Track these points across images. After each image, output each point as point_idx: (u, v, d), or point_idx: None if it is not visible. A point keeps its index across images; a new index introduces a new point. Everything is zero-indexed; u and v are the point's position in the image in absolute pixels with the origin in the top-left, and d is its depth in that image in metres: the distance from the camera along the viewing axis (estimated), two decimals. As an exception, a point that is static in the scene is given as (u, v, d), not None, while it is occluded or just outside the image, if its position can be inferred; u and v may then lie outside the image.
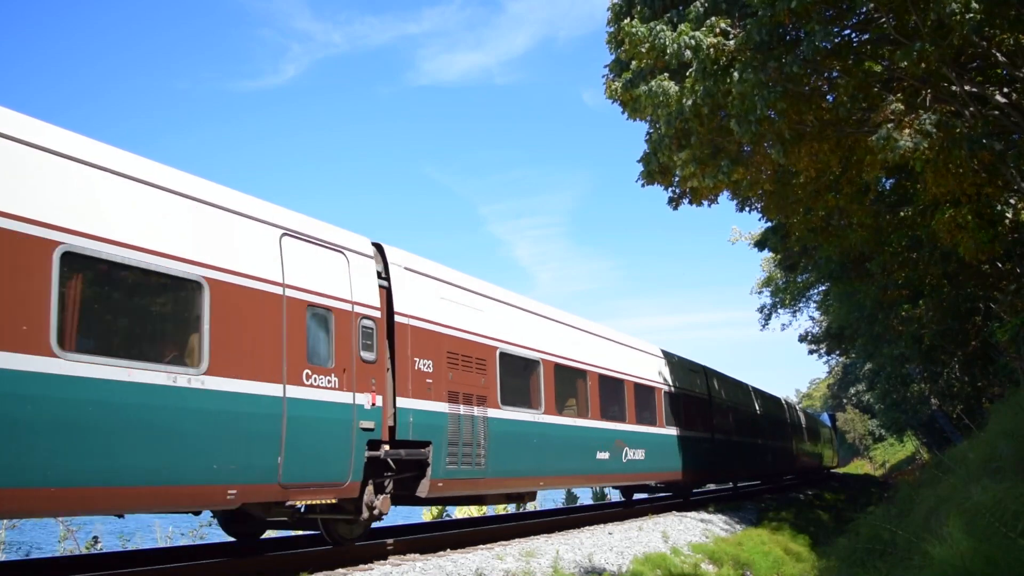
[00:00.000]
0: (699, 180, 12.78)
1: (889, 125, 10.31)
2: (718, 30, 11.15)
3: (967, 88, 11.24)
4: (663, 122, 12.42)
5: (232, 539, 9.82)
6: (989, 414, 14.82)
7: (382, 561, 8.76)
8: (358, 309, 8.78)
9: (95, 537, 11.40)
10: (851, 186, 14.54)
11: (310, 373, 7.98)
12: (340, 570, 8.09)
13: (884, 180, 17.80)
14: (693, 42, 11.03)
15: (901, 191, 17.40)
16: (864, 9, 11.07)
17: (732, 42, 10.97)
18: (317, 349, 8.20)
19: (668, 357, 19.11)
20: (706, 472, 20.32)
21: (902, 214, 17.12)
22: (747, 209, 19.89)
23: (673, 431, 17.85)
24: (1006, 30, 10.85)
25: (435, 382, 9.89)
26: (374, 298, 9.08)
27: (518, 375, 12.04)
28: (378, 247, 9.69)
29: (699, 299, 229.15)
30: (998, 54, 11.43)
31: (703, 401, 20.81)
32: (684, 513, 16.49)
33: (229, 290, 7.31)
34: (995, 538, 5.80)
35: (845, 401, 69.52)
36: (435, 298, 10.35)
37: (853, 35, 12.35)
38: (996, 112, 11.31)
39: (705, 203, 15.71)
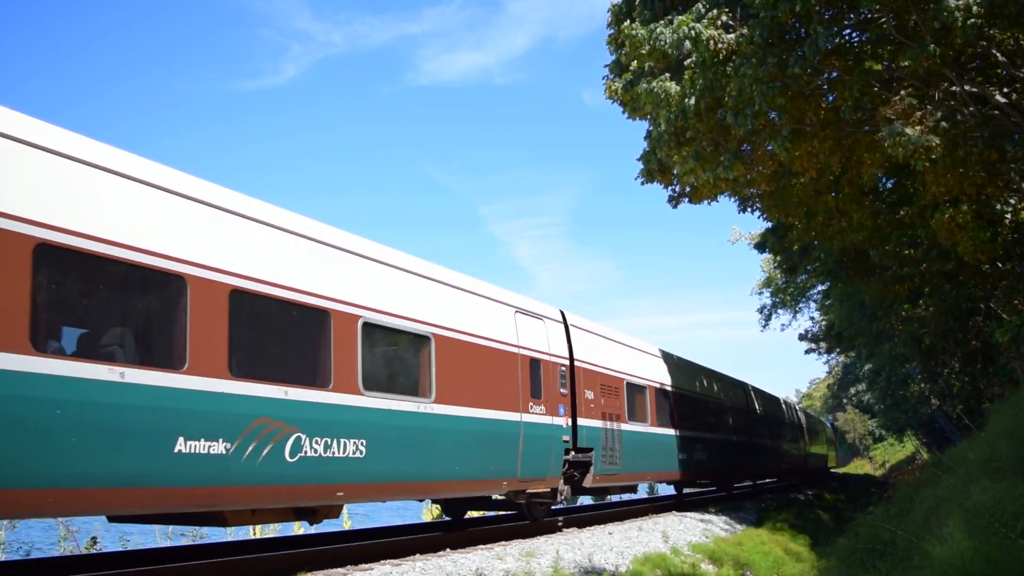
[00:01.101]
0: (698, 176, 12.78)
1: (898, 121, 10.30)
2: (719, 23, 11.16)
3: (967, 88, 11.24)
4: (663, 120, 12.43)
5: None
6: (989, 414, 14.82)
7: (382, 561, 8.75)
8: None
9: (94, 538, 11.39)
10: (851, 186, 14.54)
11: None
12: (340, 570, 8.08)
13: (884, 180, 17.81)
14: (693, 33, 11.04)
15: (901, 191, 17.39)
16: (865, 10, 11.08)
17: (732, 36, 10.98)
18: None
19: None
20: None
21: (902, 214, 17.12)
22: (747, 210, 19.92)
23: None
24: (1006, 30, 10.85)
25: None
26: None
27: (636, 398, 15.84)
28: (562, 314, 13.56)
29: (699, 299, 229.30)
30: (998, 54, 11.43)
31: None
32: (684, 513, 16.49)
33: None
34: (995, 538, 5.80)
35: (845, 401, 69.57)
36: (592, 347, 14.16)
37: (853, 35, 12.36)
38: (996, 112, 11.31)
39: (705, 202, 15.74)
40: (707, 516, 16.56)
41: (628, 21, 13.23)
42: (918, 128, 10.15)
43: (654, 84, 12.06)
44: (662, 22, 11.98)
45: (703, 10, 11.56)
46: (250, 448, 7.13)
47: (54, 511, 6.51)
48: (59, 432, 5.80)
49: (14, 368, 5.57)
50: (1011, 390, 16.60)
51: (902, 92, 10.89)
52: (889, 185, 18.23)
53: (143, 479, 6.37)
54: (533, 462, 11.26)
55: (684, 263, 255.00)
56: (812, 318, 40.96)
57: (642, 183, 15.67)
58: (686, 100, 11.68)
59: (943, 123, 10.13)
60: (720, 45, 10.99)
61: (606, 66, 15.56)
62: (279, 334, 8.05)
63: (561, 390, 12.27)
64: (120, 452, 6.19)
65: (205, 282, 7.00)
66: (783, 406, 32.50)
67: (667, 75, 12.24)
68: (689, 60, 11.60)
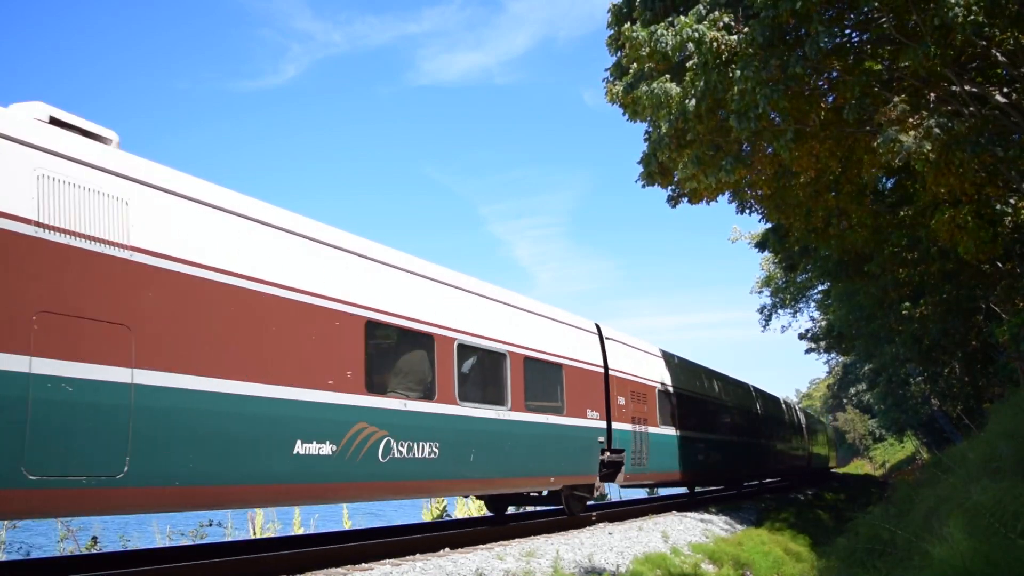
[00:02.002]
0: (699, 180, 12.78)
1: (894, 128, 10.30)
2: (720, 24, 11.15)
3: (967, 88, 11.24)
4: (663, 122, 12.42)
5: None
6: (989, 414, 14.82)
7: (382, 561, 8.75)
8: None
9: (94, 537, 11.39)
10: (851, 186, 14.54)
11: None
12: (340, 569, 8.08)
13: (884, 180, 17.82)
14: (696, 35, 11.02)
15: (901, 191, 17.40)
16: (865, 9, 11.08)
17: (734, 37, 10.96)
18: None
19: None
20: None
21: (902, 214, 17.12)
22: (747, 211, 19.90)
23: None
24: (1006, 29, 10.85)
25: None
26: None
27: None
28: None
29: (699, 299, 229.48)
30: (998, 54, 11.43)
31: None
32: (684, 513, 16.49)
33: None
34: (995, 538, 5.80)
35: (845, 401, 69.54)
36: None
37: (853, 35, 12.37)
38: (996, 112, 11.31)
39: (704, 201, 15.72)
40: (707, 516, 16.57)
41: (628, 22, 13.22)
42: (912, 134, 10.15)
43: (655, 85, 12.05)
44: (663, 24, 11.97)
45: (704, 11, 11.55)
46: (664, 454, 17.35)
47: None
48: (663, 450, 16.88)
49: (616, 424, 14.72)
50: (1011, 390, 16.61)
51: (895, 99, 10.89)
52: (889, 185, 18.24)
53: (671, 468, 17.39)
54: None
55: (684, 263, 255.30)
56: (812, 318, 41.01)
57: (643, 186, 15.67)
58: (687, 102, 11.67)
59: (936, 129, 10.12)
60: (722, 46, 10.98)
61: (607, 69, 15.56)
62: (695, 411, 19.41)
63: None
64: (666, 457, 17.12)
65: (662, 390, 17.57)
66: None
67: (667, 76, 12.23)
68: (691, 62, 11.59)
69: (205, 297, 6.94)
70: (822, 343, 41.51)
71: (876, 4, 10.64)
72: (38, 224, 5.78)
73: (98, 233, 6.19)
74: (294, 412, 7.59)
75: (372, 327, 8.71)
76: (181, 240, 6.85)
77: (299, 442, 7.59)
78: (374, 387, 8.64)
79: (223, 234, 7.29)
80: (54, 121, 6.36)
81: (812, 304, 39.13)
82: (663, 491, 23.81)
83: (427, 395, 9.54)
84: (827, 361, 58.10)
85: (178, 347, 6.63)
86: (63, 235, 5.94)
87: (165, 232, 6.73)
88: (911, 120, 10.43)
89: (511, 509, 15.26)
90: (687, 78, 11.70)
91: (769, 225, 23.02)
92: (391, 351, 9.35)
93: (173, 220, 6.86)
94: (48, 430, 5.64)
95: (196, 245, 6.96)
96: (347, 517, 15.65)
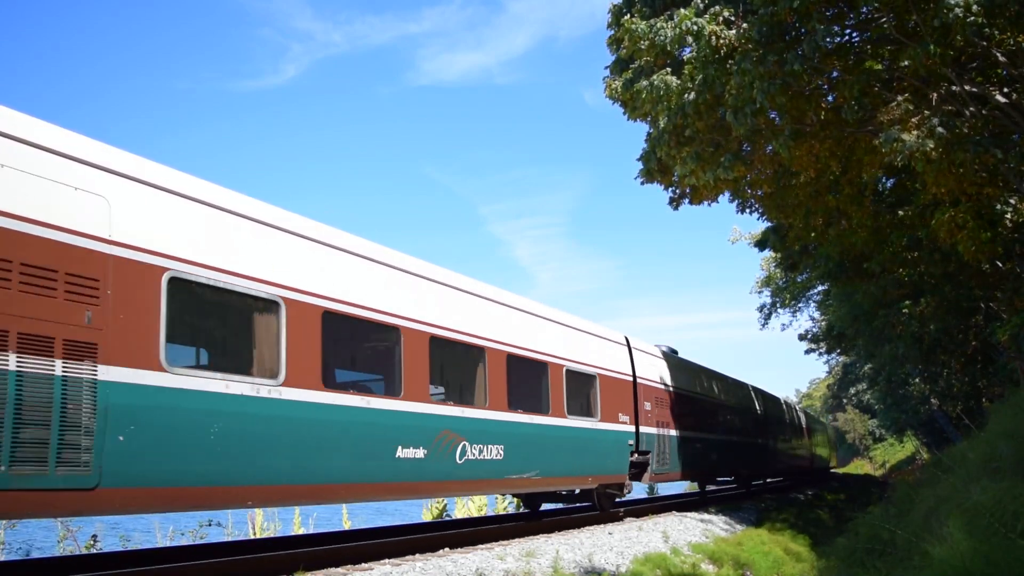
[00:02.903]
0: (698, 177, 12.77)
1: (896, 127, 10.29)
2: (720, 19, 11.14)
3: (967, 88, 11.23)
4: (662, 117, 12.41)
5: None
6: (989, 414, 14.82)
7: (382, 561, 8.75)
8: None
9: (94, 536, 11.38)
10: (851, 186, 14.53)
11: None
12: (340, 569, 8.08)
13: (884, 180, 17.81)
14: (695, 27, 11.01)
15: (901, 191, 17.38)
16: (865, 9, 11.06)
17: (733, 32, 10.94)
18: None
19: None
20: None
21: (902, 214, 17.11)
22: (747, 211, 19.90)
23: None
24: (1006, 30, 10.84)
25: None
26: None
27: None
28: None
29: (699, 299, 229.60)
30: (998, 54, 11.42)
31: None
32: (684, 513, 16.49)
33: None
34: (995, 538, 5.80)
35: (845, 401, 69.51)
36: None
37: (854, 35, 12.36)
38: (996, 112, 11.30)
39: (705, 203, 15.72)
40: (707, 516, 16.57)
41: (628, 16, 13.22)
42: (914, 133, 10.14)
43: (654, 79, 12.03)
44: (662, 17, 11.98)
45: (703, 5, 11.55)
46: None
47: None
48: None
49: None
50: (1011, 390, 16.60)
51: (898, 98, 10.88)
52: (889, 185, 18.23)
53: None
54: None
55: (684, 263, 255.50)
56: (812, 318, 41.01)
57: (642, 183, 15.67)
58: (686, 96, 11.65)
59: (939, 128, 10.12)
60: (721, 41, 10.97)
61: (607, 67, 15.56)
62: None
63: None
64: None
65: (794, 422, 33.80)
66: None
67: (667, 70, 12.23)
68: (690, 55, 11.59)
69: (662, 395, 17.49)
70: (822, 343, 41.50)
71: (876, 4, 10.64)
72: (663, 383, 17.75)
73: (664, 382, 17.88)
74: None
75: (676, 394, 18.92)
76: (652, 374, 17.37)
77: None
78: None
79: (679, 371, 18.93)
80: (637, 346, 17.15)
81: (812, 304, 39.16)
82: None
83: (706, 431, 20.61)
84: (827, 361, 58.11)
85: (656, 418, 16.84)
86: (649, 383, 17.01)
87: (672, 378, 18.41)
88: (913, 120, 10.42)
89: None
90: (686, 72, 11.69)
91: (769, 225, 23.02)
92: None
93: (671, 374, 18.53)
94: (603, 451, 14.44)
95: (656, 375, 17.39)
96: (347, 517, 15.64)
